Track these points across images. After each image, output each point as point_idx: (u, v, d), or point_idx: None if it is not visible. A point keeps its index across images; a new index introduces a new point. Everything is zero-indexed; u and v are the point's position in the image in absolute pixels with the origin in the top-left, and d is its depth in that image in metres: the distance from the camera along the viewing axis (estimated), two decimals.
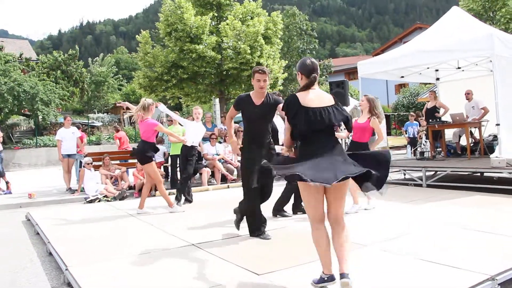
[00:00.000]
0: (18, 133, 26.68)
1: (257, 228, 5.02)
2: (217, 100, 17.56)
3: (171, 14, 17.33)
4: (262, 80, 4.70)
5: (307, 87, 3.39)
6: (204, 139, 10.42)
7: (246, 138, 5.04)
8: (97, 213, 7.35)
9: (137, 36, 18.83)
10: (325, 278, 3.21)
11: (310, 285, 3.31)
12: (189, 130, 8.06)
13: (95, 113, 35.75)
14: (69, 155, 10.85)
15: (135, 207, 7.29)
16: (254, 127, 4.97)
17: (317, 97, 3.35)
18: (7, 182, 10.94)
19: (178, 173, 10.41)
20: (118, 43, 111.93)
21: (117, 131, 13.55)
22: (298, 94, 3.37)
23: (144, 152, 6.95)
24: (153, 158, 7.11)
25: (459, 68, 11.03)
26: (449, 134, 11.13)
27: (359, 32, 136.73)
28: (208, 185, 10.51)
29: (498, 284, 3.32)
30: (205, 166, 10.68)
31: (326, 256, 3.21)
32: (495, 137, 9.30)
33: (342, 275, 3.04)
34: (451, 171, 8.86)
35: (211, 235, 5.21)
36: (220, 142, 11.67)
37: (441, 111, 10.69)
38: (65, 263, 4.26)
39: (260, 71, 4.71)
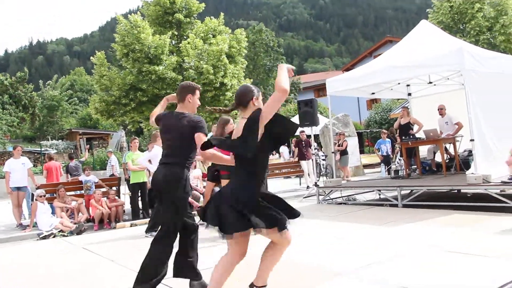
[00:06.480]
0: None
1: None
2: None
3: (127, 34, 17.22)
4: None
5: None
6: None
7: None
8: (53, 252, 7.18)
9: (91, 57, 18.59)
10: None
11: None
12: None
13: (48, 140, 34.98)
14: (18, 188, 10.54)
15: (93, 242, 7.11)
16: None
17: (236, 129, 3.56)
18: None
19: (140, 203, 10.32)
20: (72, 63, 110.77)
21: (50, 159, 12.33)
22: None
23: None
24: None
25: (430, 82, 11.38)
26: (423, 151, 11.39)
27: (328, 46, 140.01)
28: None
29: None
30: None
31: None
32: (470, 152, 9.56)
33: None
34: (427, 189, 9.05)
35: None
36: None
37: (415, 127, 10.93)
38: None
39: None
